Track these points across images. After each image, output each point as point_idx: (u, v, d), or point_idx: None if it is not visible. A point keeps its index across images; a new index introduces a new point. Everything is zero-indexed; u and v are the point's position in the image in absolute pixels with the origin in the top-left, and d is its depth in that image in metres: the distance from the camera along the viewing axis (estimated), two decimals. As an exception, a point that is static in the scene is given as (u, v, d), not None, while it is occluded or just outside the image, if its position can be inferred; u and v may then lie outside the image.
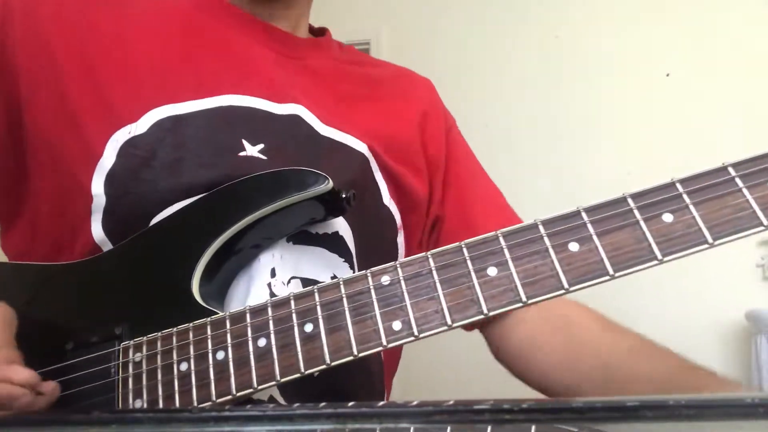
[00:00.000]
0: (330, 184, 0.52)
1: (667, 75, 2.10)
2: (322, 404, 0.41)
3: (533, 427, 0.25)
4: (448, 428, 0.25)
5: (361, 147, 0.63)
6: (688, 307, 1.91)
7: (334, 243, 0.59)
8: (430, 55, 2.25)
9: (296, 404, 0.51)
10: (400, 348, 0.54)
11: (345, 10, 2.09)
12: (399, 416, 0.25)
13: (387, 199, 0.65)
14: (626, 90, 2.12)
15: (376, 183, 0.65)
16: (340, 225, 0.59)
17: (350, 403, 0.40)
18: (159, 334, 0.49)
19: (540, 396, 0.62)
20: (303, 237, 0.57)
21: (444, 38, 2.29)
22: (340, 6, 2.09)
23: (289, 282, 0.55)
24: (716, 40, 2.08)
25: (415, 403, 0.41)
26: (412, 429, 0.25)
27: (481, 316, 0.42)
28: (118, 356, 0.50)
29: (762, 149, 0.41)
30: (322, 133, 0.62)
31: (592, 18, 2.19)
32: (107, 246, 0.55)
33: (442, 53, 2.27)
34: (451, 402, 0.25)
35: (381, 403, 0.47)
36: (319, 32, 0.76)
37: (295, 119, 0.61)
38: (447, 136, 0.73)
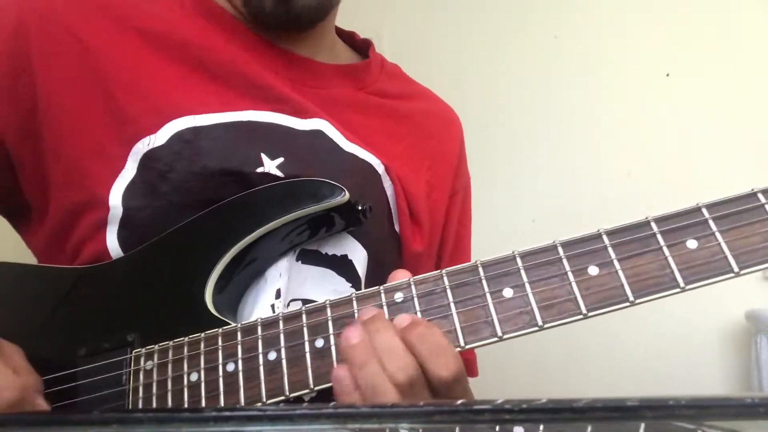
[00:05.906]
0: (346, 195, 0.52)
1: (667, 75, 2.10)
2: (322, 404, 0.41)
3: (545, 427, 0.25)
4: (448, 428, 0.25)
5: (380, 168, 0.62)
6: (688, 307, 1.90)
7: (343, 266, 0.58)
8: (430, 55, 2.25)
9: (296, 404, 0.51)
10: None
11: (345, 10, 2.09)
12: (399, 416, 0.25)
13: (398, 227, 0.64)
14: (626, 90, 2.11)
15: (390, 207, 0.64)
16: (353, 247, 0.59)
17: (350, 403, 0.40)
18: (170, 343, 0.49)
19: (540, 396, 0.62)
20: (312, 257, 0.56)
21: (444, 38, 2.29)
22: (341, 5, 2.08)
23: (288, 305, 0.54)
24: (716, 40, 2.07)
25: (415, 403, 0.41)
26: (412, 429, 0.25)
27: (495, 339, 0.41)
28: (130, 364, 0.49)
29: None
30: (345, 148, 0.61)
31: (592, 18, 2.19)
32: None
33: (442, 53, 2.27)
34: (451, 402, 0.25)
35: (381, 403, 0.46)
36: (363, 45, 0.74)
37: (318, 134, 0.60)
38: (450, 200, 0.72)
